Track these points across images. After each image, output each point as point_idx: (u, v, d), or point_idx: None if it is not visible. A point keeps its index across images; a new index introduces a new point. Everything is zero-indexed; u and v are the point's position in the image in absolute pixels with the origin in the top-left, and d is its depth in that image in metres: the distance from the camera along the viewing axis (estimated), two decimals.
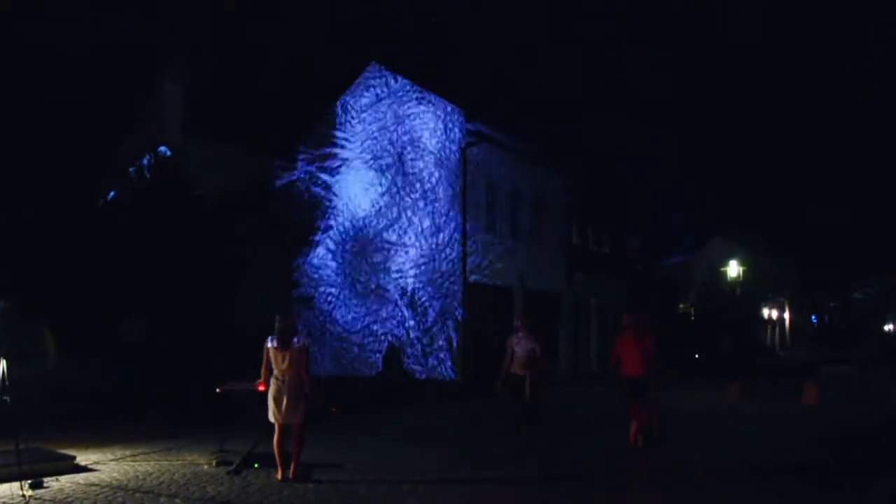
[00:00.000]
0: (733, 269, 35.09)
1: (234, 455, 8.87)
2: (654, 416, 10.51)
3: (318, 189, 22.19)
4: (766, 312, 44.59)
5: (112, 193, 15.91)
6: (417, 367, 19.68)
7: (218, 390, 8.83)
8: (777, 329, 50.78)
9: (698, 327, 27.38)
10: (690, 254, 42.60)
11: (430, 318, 19.65)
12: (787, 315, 54.21)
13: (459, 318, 19.14)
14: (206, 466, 8.71)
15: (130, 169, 16.19)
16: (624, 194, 30.18)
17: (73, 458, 8.68)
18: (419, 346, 19.75)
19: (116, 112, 17.16)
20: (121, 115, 17.52)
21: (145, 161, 16.26)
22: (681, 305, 31.33)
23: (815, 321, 61.26)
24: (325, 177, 22.08)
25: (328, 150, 22.05)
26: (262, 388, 8.09)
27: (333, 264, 21.77)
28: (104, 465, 8.80)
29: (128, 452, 9.60)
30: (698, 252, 43.04)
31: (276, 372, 7.92)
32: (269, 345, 7.95)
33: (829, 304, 62.10)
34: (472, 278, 19.53)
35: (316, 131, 22.49)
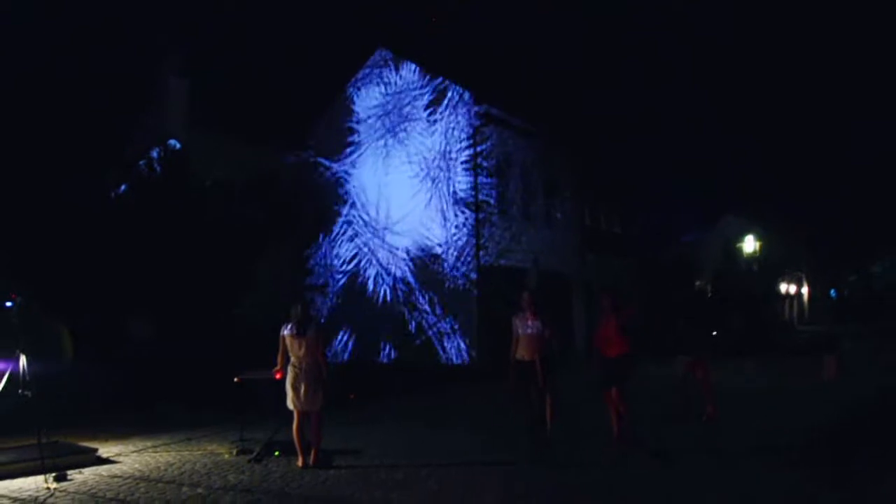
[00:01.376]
0: (749, 244, 34.80)
1: (254, 443, 8.98)
2: (707, 395, 10.53)
3: (328, 176, 22.28)
4: (783, 288, 44.32)
5: (123, 187, 16.01)
6: (432, 351, 19.76)
7: (236, 380, 8.89)
8: (795, 304, 50.50)
9: (714, 304, 27.29)
10: (705, 231, 42.38)
11: (444, 302, 19.71)
12: (805, 290, 53.86)
13: (474, 300, 19.19)
14: (226, 455, 8.80)
15: (140, 162, 16.27)
16: (635, 173, 30.09)
17: (95, 450, 8.80)
18: (434, 330, 19.84)
19: (124, 106, 17.26)
20: (129, 109, 17.63)
21: (154, 154, 16.34)
22: (696, 283, 31.24)
23: (833, 295, 60.85)
24: (334, 164, 22.16)
25: (337, 136, 22.11)
26: (279, 376, 8.16)
27: (346, 250, 21.88)
28: (126, 456, 8.91)
29: (148, 444, 9.70)
30: (713, 229, 42.80)
31: (293, 359, 7.99)
32: (285, 332, 8.02)
33: (847, 278, 61.64)
34: (486, 260, 19.56)
35: (325, 118, 22.54)
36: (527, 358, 8.92)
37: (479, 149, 19.65)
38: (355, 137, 21.94)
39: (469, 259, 19.40)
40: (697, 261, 32.50)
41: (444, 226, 19.88)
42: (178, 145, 16.68)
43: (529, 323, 8.97)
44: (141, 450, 9.35)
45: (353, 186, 21.92)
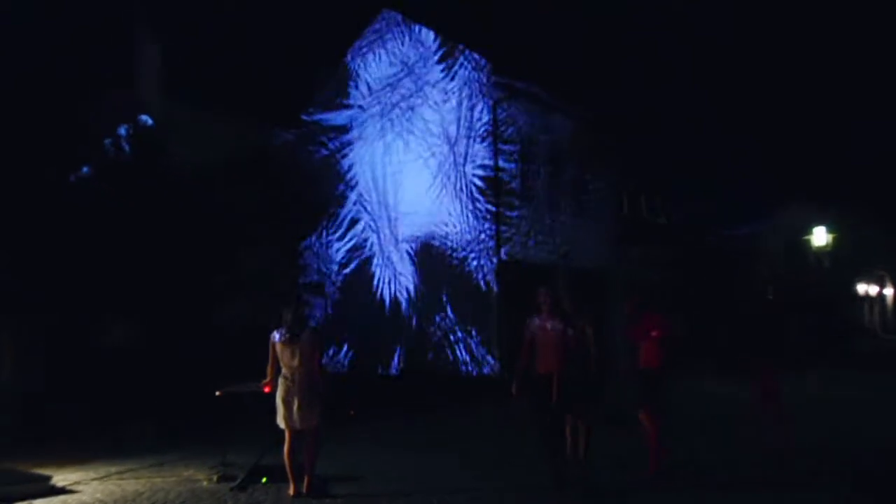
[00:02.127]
0: (820, 237, 34.33)
1: (237, 468, 8.94)
2: (776, 413, 9.76)
3: (326, 157, 22.29)
4: (862, 288, 43.85)
5: (85, 169, 16.03)
6: (445, 361, 19.75)
7: (217, 394, 8.86)
8: (877, 308, 49.86)
9: (776, 307, 26.90)
10: (766, 221, 42.01)
11: (459, 303, 19.70)
12: (890, 291, 53.18)
13: (494, 301, 19.16)
14: (205, 483, 8.78)
15: (106, 140, 16.29)
16: (684, 154, 30.01)
17: (49, 478, 8.75)
18: (447, 336, 19.84)
19: (86, 76, 17.25)
20: (92, 80, 17.61)
21: (122, 131, 16.35)
22: (762, 282, 31.07)
23: None
24: (334, 143, 22.17)
25: (337, 111, 22.11)
26: (268, 389, 8.14)
27: (345, 244, 21.91)
28: (85, 485, 8.87)
29: (113, 470, 9.65)
30: (776, 218, 42.41)
31: (284, 370, 7.96)
32: (276, 339, 8.00)
33: None
34: (507, 255, 19.52)
35: (322, 90, 22.55)
36: (540, 371, 8.40)
37: (500, 127, 19.61)
38: (357, 113, 21.94)
39: (488, 254, 19.37)
40: (756, 256, 32.29)
41: (460, 215, 19.85)
42: (150, 121, 16.70)
43: (549, 325, 8.43)
44: (104, 477, 9.30)
45: (355, 170, 21.94)
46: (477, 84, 19.77)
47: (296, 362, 7.92)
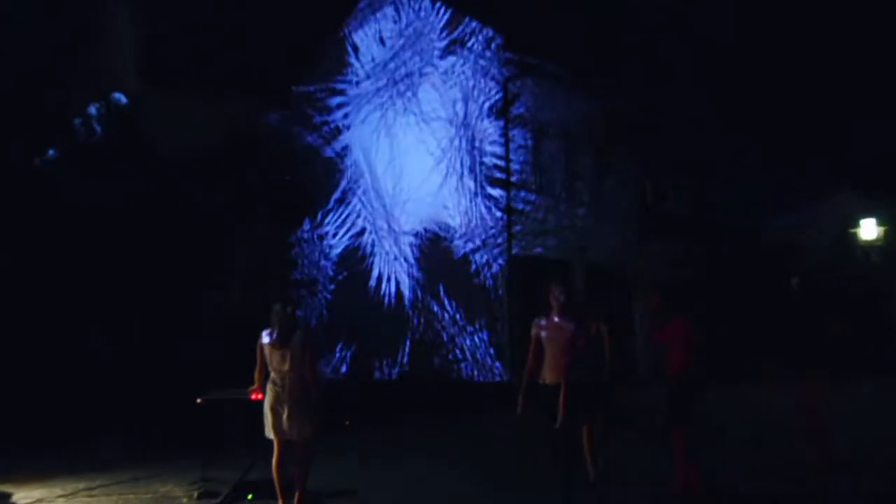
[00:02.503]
0: (869, 229, 33.98)
1: (220, 484, 8.85)
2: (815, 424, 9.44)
3: (320, 141, 22.23)
4: None
5: (51, 151, 15.94)
6: (449, 365, 19.71)
7: (199, 401, 8.80)
8: None
9: (817, 305, 26.66)
10: (808, 212, 41.70)
11: (466, 302, 19.65)
12: None
13: (504, 300, 19.11)
14: (184, 500, 8.72)
15: (75, 120, 16.22)
16: (715, 138, 29.80)
17: (9, 496, 8.72)
18: (453, 339, 19.78)
19: (53, 50, 17.13)
20: (59, 54, 17.49)
21: (93, 111, 16.29)
22: (793, 279, 30.92)
23: None
24: (328, 124, 22.11)
25: (332, 90, 22.04)
26: (255, 396, 8.08)
27: (341, 236, 21.85)
28: (50, 503, 8.83)
29: (81, 486, 9.58)
30: (819, 210, 42.06)
31: (273, 375, 7.86)
32: (264, 341, 7.90)
33: None
34: (519, 250, 19.46)
35: (316, 66, 22.47)
36: (548, 380, 8.12)
37: (511, 109, 19.53)
38: (354, 92, 21.85)
39: (497, 249, 19.30)
40: (795, 251, 32.12)
41: (466, 206, 19.79)
42: (123, 100, 16.63)
43: (560, 326, 8.11)
44: (71, 494, 9.22)
45: (351, 155, 21.87)
46: (486, 61, 19.66)
47: (286, 366, 7.82)
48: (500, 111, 19.48)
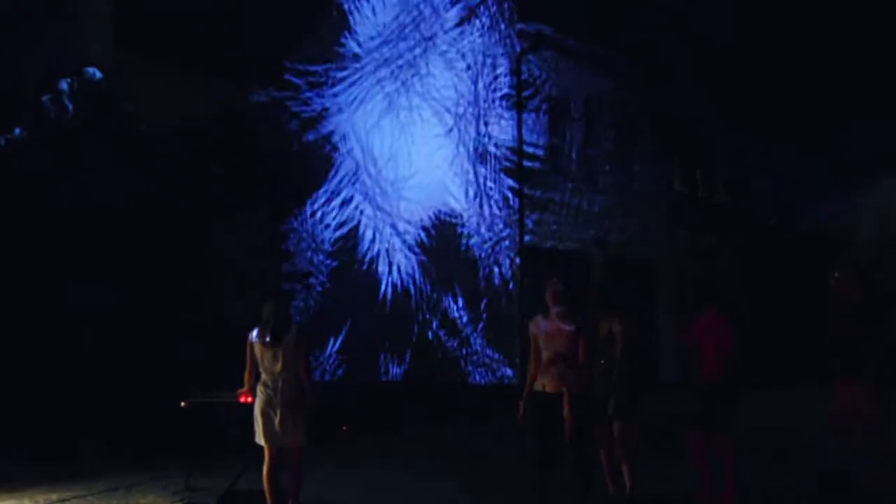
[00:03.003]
0: None
1: (206, 495, 9.02)
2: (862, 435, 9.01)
3: (311, 120, 22.19)
4: None
5: (17, 130, 16.03)
6: (456, 367, 19.71)
7: (182, 404, 8.93)
8: None
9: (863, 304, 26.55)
10: (855, 199, 41.47)
11: (473, 299, 19.67)
12: None
13: (515, 297, 19.12)
14: None
15: (44, 97, 16.27)
16: (748, 117, 29.74)
17: None
18: (459, 337, 19.78)
19: (19, 20, 17.20)
20: (26, 24, 17.56)
21: (64, 86, 16.33)
22: (834, 274, 30.89)
23: None
24: (324, 101, 22.08)
25: (326, 65, 22.03)
26: (246, 399, 8.21)
27: (337, 226, 21.84)
28: None
29: (54, 497, 9.68)
30: (863, 198, 41.86)
31: (264, 377, 8.00)
32: (254, 339, 8.04)
33: None
34: (532, 240, 19.47)
35: (309, 39, 22.44)
36: (548, 388, 7.86)
37: (525, 85, 19.55)
38: (351, 68, 21.85)
39: (508, 238, 19.34)
40: (840, 241, 32.08)
41: (474, 193, 19.78)
42: (98, 74, 16.69)
43: (558, 327, 7.84)
44: None
45: (348, 137, 21.84)
46: (498, 32, 19.67)
47: (278, 367, 7.94)
48: (512, 88, 19.49)
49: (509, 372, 19.22)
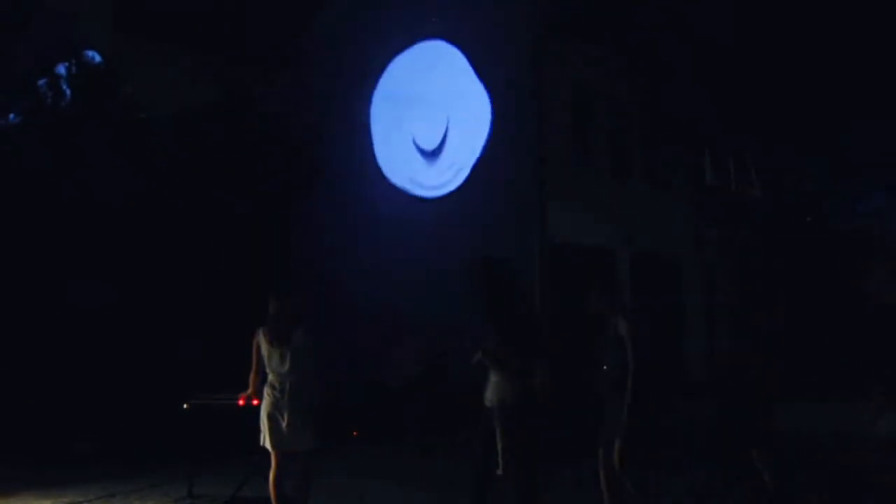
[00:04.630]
0: None
1: (209, 501, 9.07)
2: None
3: (317, 109, 22.19)
4: None
5: (12, 116, 16.07)
6: (473, 371, 19.68)
7: (185, 406, 8.94)
8: None
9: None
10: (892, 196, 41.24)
11: (491, 298, 19.58)
12: None
13: (536, 296, 19.10)
14: None
15: (40, 81, 16.31)
16: (788, 106, 29.62)
17: None
18: (475, 340, 19.73)
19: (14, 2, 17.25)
20: (22, 5, 17.61)
21: (62, 70, 16.37)
22: (875, 275, 30.75)
23: None
24: (330, 89, 22.08)
25: (338, 47, 22.04)
26: (252, 402, 8.23)
27: (348, 215, 21.81)
28: None
29: (48, 503, 9.70)
30: None
31: (271, 378, 8.01)
32: (261, 339, 8.04)
33: None
34: (556, 237, 19.45)
35: (320, 21, 22.46)
36: (487, 400, 7.54)
37: (546, 71, 19.52)
38: (363, 49, 21.84)
39: (530, 234, 19.31)
40: (885, 241, 31.92)
41: (494, 183, 19.76)
42: (97, 58, 16.72)
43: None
44: None
45: (354, 124, 21.86)
46: (519, 19, 19.61)
47: (285, 368, 7.96)
48: (533, 76, 19.47)
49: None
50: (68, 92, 16.08)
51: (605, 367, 7.84)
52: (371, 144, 21.82)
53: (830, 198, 31.80)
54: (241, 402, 8.19)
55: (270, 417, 7.94)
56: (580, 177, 20.53)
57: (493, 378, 7.52)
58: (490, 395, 7.43)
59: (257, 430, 8.05)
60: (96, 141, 15.25)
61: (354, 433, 13.27)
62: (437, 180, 20.74)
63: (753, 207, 27.23)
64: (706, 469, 10.25)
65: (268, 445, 7.99)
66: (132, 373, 13.30)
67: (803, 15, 26.21)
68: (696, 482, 9.93)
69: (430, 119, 20.86)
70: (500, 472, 7.10)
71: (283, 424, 7.90)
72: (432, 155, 20.87)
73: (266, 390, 7.99)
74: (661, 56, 23.04)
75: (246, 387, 8.27)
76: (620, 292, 8.29)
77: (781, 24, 26.15)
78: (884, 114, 30.78)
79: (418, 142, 21.10)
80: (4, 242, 14.19)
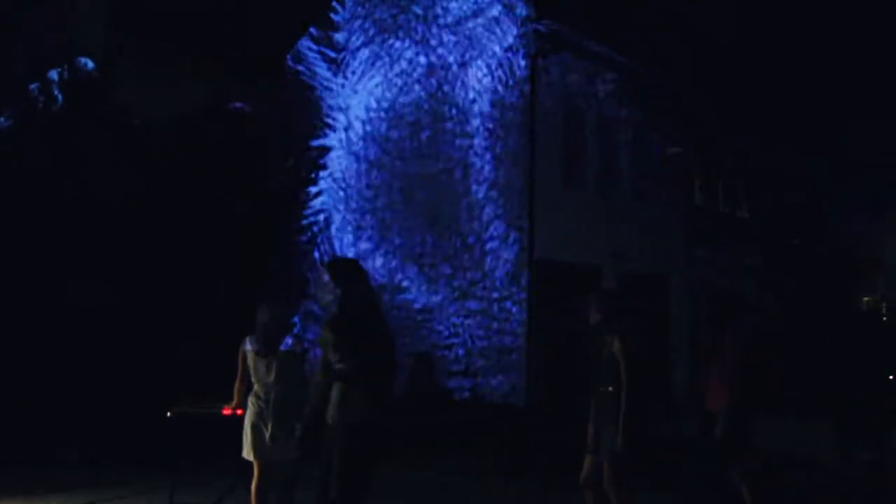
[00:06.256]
0: None
1: None
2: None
3: (312, 117, 22.18)
4: None
5: (2, 120, 16.04)
6: (461, 384, 19.68)
7: (169, 414, 8.91)
8: None
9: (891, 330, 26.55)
10: (884, 218, 41.37)
11: (479, 313, 19.63)
12: None
13: (524, 311, 19.09)
14: None
15: (31, 86, 16.29)
16: (776, 127, 29.73)
17: None
18: (464, 352, 19.75)
19: (7, 4, 17.23)
20: (15, 10, 17.60)
21: (54, 75, 16.35)
22: (864, 299, 30.89)
23: None
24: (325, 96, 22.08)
25: (326, 63, 22.05)
26: (235, 412, 8.21)
27: (338, 227, 21.79)
28: None
29: None
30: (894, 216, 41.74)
31: (256, 387, 7.99)
32: (248, 348, 8.02)
33: None
34: (543, 253, 19.45)
35: (313, 28, 22.49)
36: (329, 417, 6.70)
37: (538, 86, 19.54)
38: (353, 68, 21.88)
39: (518, 250, 19.30)
40: (870, 263, 31.97)
41: (483, 197, 19.76)
42: (90, 64, 16.71)
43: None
44: None
45: (349, 135, 21.88)
46: (512, 33, 19.64)
47: (271, 378, 7.93)
48: (527, 95, 19.48)
49: (511, 393, 19.17)
50: (60, 97, 16.05)
51: (609, 389, 7.68)
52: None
53: (816, 220, 31.94)
54: (226, 412, 8.15)
55: (254, 427, 7.90)
56: (570, 193, 20.52)
57: (338, 392, 6.61)
58: (331, 412, 6.61)
59: (241, 440, 8.00)
60: (92, 143, 15.24)
61: None
62: None
63: (741, 228, 27.31)
64: (688, 484, 10.22)
65: (250, 457, 7.95)
66: (129, 375, 13.26)
67: (783, 36, 26.39)
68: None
69: None
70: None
71: (267, 435, 7.87)
72: None
73: (251, 400, 7.95)
74: (652, 77, 23.14)
75: (231, 395, 8.24)
76: (619, 312, 8.06)
77: (765, 43, 26.33)
78: (866, 142, 31.08)
79: None
80: (3, 243, 14.15)
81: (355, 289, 6.67)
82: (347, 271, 6.84)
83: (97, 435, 12.35)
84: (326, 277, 6.75)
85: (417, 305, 20.70)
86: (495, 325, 19.50)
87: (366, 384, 6.51)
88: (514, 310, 19.34)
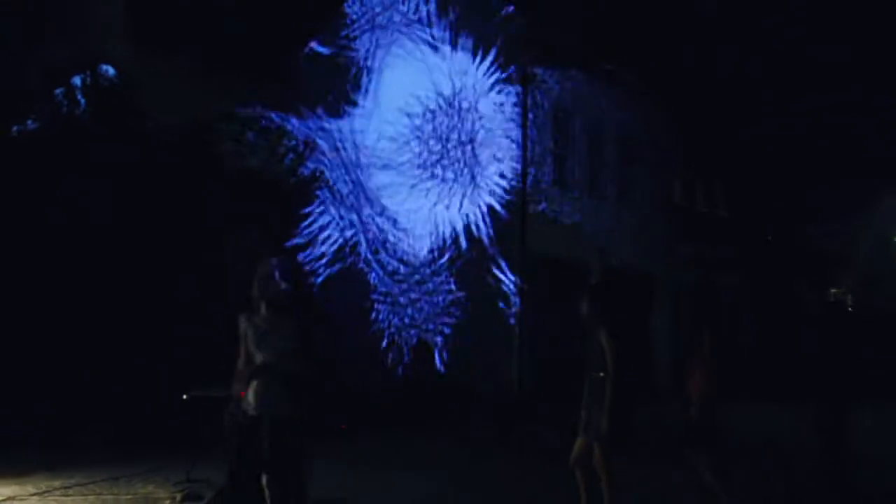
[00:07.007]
0: None
1: (206, 486, 9.04)
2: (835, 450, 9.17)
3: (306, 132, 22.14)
4: None
5: (29, 122, 16.04)
6: (457, 370, 19.69)
7: (185, 397, 8.95)
8: None
9: (858, 322, 26.61)
10: (850, 219, 41.53)
11: (472, 307, 19.64)
12: None
13: (516, 303, 19.10)
14: (167, 502, 8.86)
15: (56, 91, 16.29)
16: (752, 133, 29.79)
17: None
18: (460, 341, 19.74)
19: (32, 17, 17.23)
20: (43, 19, 17.60)
21: (77, 81, 16.35)
22: (832, 290, 30.99)
23: None
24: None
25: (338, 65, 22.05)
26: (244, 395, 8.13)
27: (343, 218, 21.75)
28: (21, 501, 8.94)
29: (57, 484, 9.70)
30: (863, 216, 41.87)
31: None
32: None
33: None
34: (534, 249, 19.46)
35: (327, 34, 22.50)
36: (252, 409, 6.82)
37: (528, 92, 19.55)
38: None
39: (510, 246, 19.32)
40: (838, 259, 32.06)
41: (476, 197, 19.77)
42: (111, 71, 16.70)
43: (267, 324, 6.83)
44: (45, 492, 9.33)
45: (347, 136, 21.85)
46: (504, 43, 19.63)
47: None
48: (518, 102, 19.51)
49: (503, 384, 19.20)
50: (83, 102, 16.06)
51: (601, 374, 7.78)
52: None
53: (793, 219, 32.06)
54: (242, 395, 8.09)
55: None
56: (559, 194, 20.56)
57: (263, 383, 6.73)
58: (257, 403, 6.72)
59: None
60: (106, 149, 15.25)
61: (342, 426, 13.28)
62: None
63: (720, 226, 27.40)
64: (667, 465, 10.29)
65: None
66: (139, 365, 13.28)
67: (760, 49, 26.45)
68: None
69: None
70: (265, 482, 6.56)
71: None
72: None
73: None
74: (636, 84, 23.19)
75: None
76: (606, 305, 8.15)
77: (749, 54, 26.40)
78: (838, 150, 31.27)
79: None
80: (25, 240, 14.18)
81: (275, 284, 6.80)
82: (281, 268, 6.93)
83: (118, 419, 12.38)
84: (277, 273, 6.87)
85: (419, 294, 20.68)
86: (489, 321, 19.46)
87: (287, 376, 6.59)
88: (507, 301, 19.34)
